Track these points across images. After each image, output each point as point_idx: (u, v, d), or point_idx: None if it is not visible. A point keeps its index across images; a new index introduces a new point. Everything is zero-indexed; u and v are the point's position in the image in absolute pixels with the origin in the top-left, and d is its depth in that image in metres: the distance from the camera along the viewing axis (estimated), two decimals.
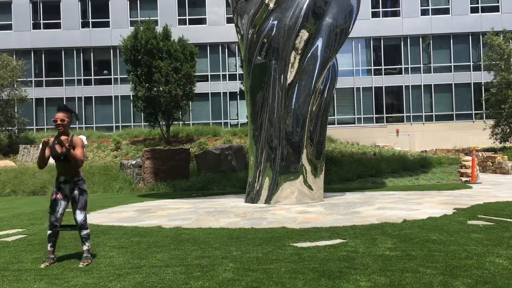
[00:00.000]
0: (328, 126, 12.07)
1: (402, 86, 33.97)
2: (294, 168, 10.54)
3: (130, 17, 33.81)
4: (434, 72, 34.01)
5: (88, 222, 5.43)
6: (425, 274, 4.41)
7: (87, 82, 34.06)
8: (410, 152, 22.42)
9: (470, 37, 33.79)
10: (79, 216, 5.22)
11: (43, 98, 33.40)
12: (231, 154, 17.64)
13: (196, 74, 24.98)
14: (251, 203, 10.78)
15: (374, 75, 34.15)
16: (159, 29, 24.30)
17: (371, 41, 34.22)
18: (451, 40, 33.82)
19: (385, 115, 33.98)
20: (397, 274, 4.43)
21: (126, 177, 16.80)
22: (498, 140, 25.75)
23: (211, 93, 33.69)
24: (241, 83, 27.24)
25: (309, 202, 10.58)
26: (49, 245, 5.23)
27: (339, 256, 5.17)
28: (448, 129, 32.88)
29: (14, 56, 29.83)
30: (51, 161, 5.18)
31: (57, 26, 34.01)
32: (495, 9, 33.78)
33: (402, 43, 33.96)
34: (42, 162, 5.15)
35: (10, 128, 25.39)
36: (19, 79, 26.19)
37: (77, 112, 32.83)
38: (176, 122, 26.78)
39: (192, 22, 34.01)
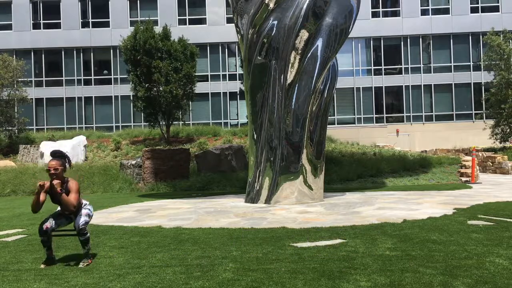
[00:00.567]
0: (328, 126, 12.07)
1: (402, 86, 33.97)
2: (294, 168, 10.54)
3: (130, 17, 33.81)
4: (434, 72, 34.01)
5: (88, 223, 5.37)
6: (425, 274, 4.41)
7: (87, 82, 34.07)
8: (410, 152, 22.42)
9: (470, 37, 33.80)
10: (79, 219, 5.11)
11: (43, 98, 33.41)
12: (231, 154, 17.64)
13: (196, 74, 24.99)
14: (251, 203, 10.78)
15: (374, 75, 34.15)
16: (159, 29, 24.31)
17: (371, 41, 34.22)
18: (451, 40, 33.82)
19: (385, 115, 33.98)
20: (397, 274, 4.43)
21: (126, 177, 16.80)
22: (498, 140, 25.75)
23: (211, 93, 33.69)
24: (241, 83, 27.24)
25: (309, 202, 10.58)
26: (45, 248, 5.18)
27: (339, 256, 5.17)
28: (448, 129, 32.88)
29: (14, 56, 29.82)
30: None
31: (57, 26, 34.01)
32: (495, 9, 33.78)
33: (402, 43, 33.96)
34: (37, 207, 4.91)
35: (10, 128, 25.39)
36: (19, 79, 26.19)
37: (77, 112, 32.65)
38: (176, 122, 26.80)
39: (192, 22, 34.01)
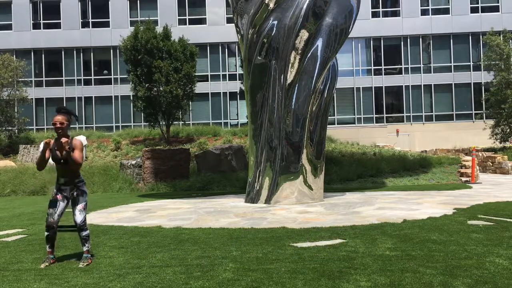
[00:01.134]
0: (328, 126, 12.07)
1: (402, 86, 33.97)
2: (294, 168, 10.54)
3: (130, 17, 33.81)
4: (434, 72, 34.01)
5: (88, 222, 5.43)
6: (425, 274, 4.41)
7: (87, 82, 34.06)
8: (410, 152, 22.41)
9: (470, 37, 33.79)
10: (79, 217, 5.22)
11: (43, 98, 33.40)
12: (231, 154, 17.64)
13: (196, 74, 25.00)
14: (251, 203, 10.78)
15: (374, 75, 34.15)
16: (159, 29, 24.32)
17: (371, 41, 34.22)
18: (451, 40, 33.82)
19: (385, 115, 33.98)
20: (397, 274, 4.43)
21: (126, 177, 16.80)
22: (498, 140, 25.76)
23: (211, 93, 33.69)
24: (241, 83, 27.24)
25: (309, 202, 10.58)
26: (47, 246, 5.23)
27: (339, 256, 5.17)
28: (448, 129, 32.88)
29: (14, 56, 29.81)
30: (51, 161, 5.18)
31: (57, 26, 34.00)
32: (495, 9, 33.78)
33: (402, 43, 33.96)
34: (41, 163, 5.14)
35: (10, 128, 25.40)
36: (19, 79, 26.20)
37: (77, 112, 32.57)
38: (176, 122, 26.79)
39: (192, 22, 34.01)
